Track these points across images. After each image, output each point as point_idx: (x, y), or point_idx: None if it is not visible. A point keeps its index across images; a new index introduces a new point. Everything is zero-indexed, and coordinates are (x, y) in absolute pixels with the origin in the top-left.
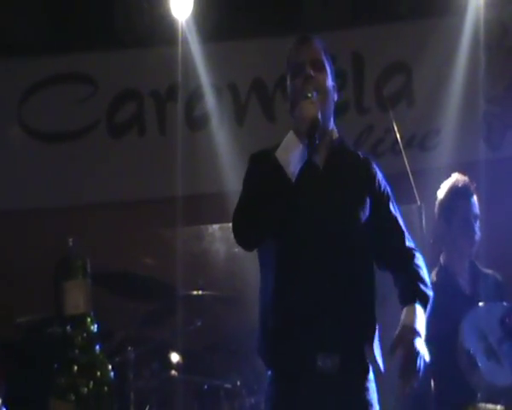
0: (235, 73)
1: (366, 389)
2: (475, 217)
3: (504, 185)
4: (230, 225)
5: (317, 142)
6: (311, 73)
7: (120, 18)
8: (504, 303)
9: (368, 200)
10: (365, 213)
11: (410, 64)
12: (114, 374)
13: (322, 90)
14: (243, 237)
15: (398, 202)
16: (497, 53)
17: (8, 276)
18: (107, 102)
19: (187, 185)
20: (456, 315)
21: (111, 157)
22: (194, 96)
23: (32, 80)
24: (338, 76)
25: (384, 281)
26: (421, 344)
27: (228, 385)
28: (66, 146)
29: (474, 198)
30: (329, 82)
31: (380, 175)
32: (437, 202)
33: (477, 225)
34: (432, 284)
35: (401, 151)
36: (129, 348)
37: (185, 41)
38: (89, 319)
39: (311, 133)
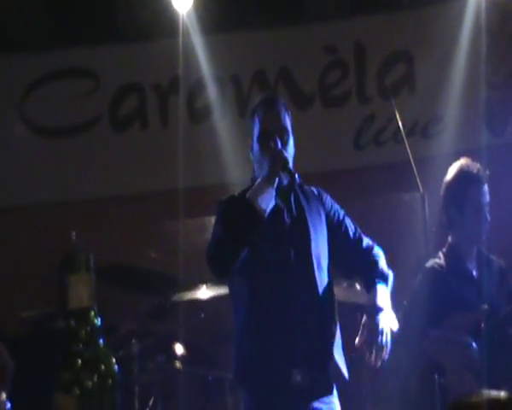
0: (237, 65)
1: (331, 403)
2: (487, 205)
3: (507, 171)
4: None
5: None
6: (279, 143)
7: (121, 11)
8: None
9: (326, 227)
10: (324, 238)
11: (411, 52)
12: (118, 368)
13: (288, 150)
14: (219, 268)
15: (401, 191)
16: (499, 39)
17: (12, 271)
18: (109, 96)
19: (190, 178)
20: (465, 299)
21: (113, 151)
22: (196, 89)
23: (33, 76)
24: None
25: None
26: (385, 318)
27: (232, 377)
28: (68, 141)
29: (486, 186)
30: (291, 140)
31: (330, 200)
32: (445, 186)
33: (488, 214)
34: (440, 266)
35: (403, 139)
36: (133, 341)
37: (186, 33)
38: (92, 313)
39: (286, 166)
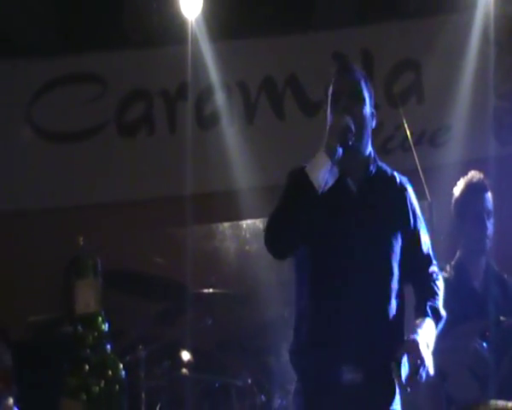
0: (245, 72)
1: (389, 404)
2: (488, 213)
3: None
4: (241, 222)
5: (345, 148)
6: (348, 103)
7: (130, 18)
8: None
9: (400, 225)
10: (397, 237)
11: (419, 61)
12: (125, 373)
13: (359, 120)
14: (274, 245)
15: None
16: (507, 49)
17: (20, 275)
18: (116, 102)
19: (197, 184)
20: (466, 313)
21: (121, 157)
22: (204, 95)
23: (41, 81)
24: None
25: None
26: (426, 354)
27: (239, 383)
28: (76, 146)
29: (489, 194)
30: (366, 111)
31: (413, 201)
32: (453, 200)
33: (490, 222)
34: (445, 278)
35: (411, 148)
36: (140, 346)
37: (195, 40)
38: (100, 318)
39: (343, 138)
